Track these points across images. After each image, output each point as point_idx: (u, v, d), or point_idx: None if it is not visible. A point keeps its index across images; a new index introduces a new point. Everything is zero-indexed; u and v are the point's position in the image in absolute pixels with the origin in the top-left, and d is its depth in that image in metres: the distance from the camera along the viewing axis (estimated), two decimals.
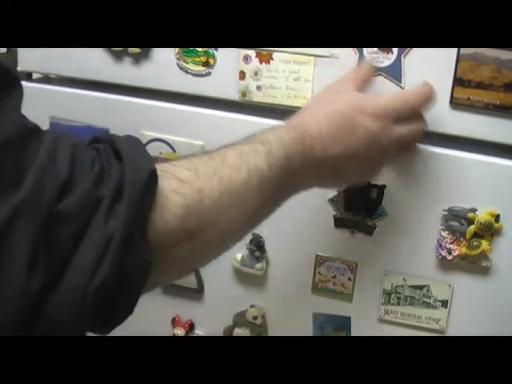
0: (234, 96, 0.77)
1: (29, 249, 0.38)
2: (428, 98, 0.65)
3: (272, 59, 0.74)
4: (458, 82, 0.66)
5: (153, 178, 0.46)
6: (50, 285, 0.40)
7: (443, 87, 0.67)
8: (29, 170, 0.40)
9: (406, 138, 0.65)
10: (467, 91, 0.66)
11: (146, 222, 0.45)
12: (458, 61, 0.66)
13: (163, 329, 0.89)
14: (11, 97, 0.43)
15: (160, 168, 0.48)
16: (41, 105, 0.88)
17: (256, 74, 0.75)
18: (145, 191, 0.44)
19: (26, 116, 0.44)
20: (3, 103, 0.41)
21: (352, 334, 0.80)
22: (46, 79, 0.90)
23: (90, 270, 0.41)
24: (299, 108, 0.74)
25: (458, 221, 0.70)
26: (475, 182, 0.69)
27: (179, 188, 0.48)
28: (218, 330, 0.86)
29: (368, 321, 0.78)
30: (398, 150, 0.65)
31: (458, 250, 0.70)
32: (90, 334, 0.47)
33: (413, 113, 0.65)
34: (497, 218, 0.69)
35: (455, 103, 0.67)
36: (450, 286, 0.73)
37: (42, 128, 0.46)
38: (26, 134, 0.42)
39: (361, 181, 0.70)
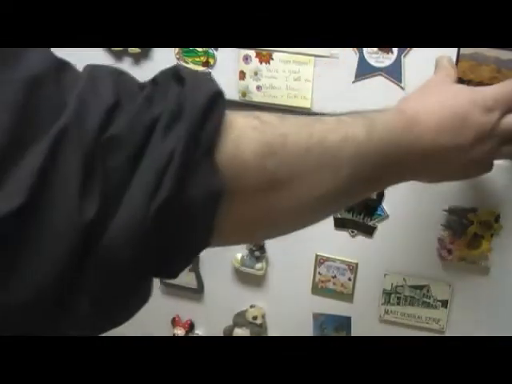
0: (234, 96, 0.77)
1: (80, 173, 0.35)
2: None
3: (272, 59, 0.74)
4: (458, 81, 0.66)
5: (219, 98, 0.41)
6: (106, 210, 0.36)
7: None
8: (69, 98, 0.37)
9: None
10: None
11: (213, 147, 0.40)
12: (457, 61, 0.66)
13: (163, 329, 0.89)
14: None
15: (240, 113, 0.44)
16: None
17: (256, 73, 0.75)
18: (210, 109, 0.40)
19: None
20: None
21: (352, 334, 0.80)
22: None
23: (150, 189, 0.37)
24: (299, 108, 0.74)
25: (458, 221, 0.70)
26: (475, 182, 0.69)
27: (260, 126, 0.43)
28: (218, 330, 0.86)
29: (368, 321, 0.78)
30: (502, 145, 0.59)
31: (458, 249, 0.70)
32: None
33: None
34: (497, 218, 0.69)
35: None
36: (450, 286, 0.73)
37: None
38: (60, 65, 0.40)
39: (462, 178, 0.64)
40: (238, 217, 0.43)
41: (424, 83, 0.62)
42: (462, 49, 0.65)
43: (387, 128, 0.51)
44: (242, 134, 0.42)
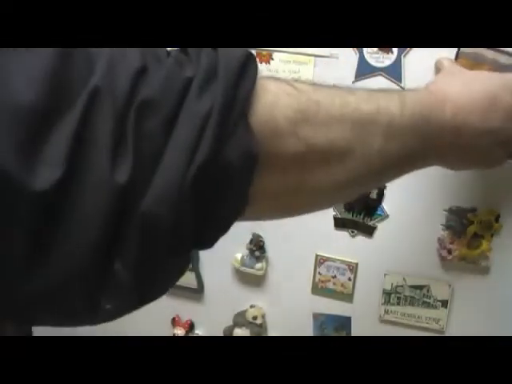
0: None
1: (113, 137, 0.35)
2: None
3: (272, 59, 0.74)
4: None
5: (252, 61, 0.41)
6: (141, 175, 0.36)
7: None
8: (98, 63, 0.38)
9: None
10: None
11: (248, 109, 0.39)
12: (456, 58, 0.66)
13: (163, 329, 0.89)
14: None
15: (273, 78, 0.43)
16: None
17: None
18: (243, 71, 0.40)
19: None
20: None
21: (352, 334, 0.80)
22: None
23: (187, 153, 0.36)
24: None
25: (458, 221, 0.70)
26: (475, 182, 0.69)
27: (293, 92, 0.42)
28: (218, 330, 0.86)
29: (368, 321, 0.78)
30: None
31: (458, 249, 0.70)
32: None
33: None
34: (497, 218, 0.69)
35: None
36: (450, 286, 0.73)
37: None
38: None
39: (487, 165, 0.60)
40: (274, 186, 0.42)
41: (444, 72, 0.61)
42: (461, 48, 0.65)
43: (419, 104, 0.50)
44: (276, 99, 0.41)
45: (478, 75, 0.59)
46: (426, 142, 0.51)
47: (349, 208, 0.75)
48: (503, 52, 0.65)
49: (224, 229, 0.41)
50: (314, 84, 0.46)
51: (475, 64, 0.65)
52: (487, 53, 0.65)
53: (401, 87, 0.69)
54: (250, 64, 0.41)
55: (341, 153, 0.44)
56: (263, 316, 0.84)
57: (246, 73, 0.40)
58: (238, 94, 0.39)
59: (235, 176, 0.38)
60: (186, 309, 0.88)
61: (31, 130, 0.33)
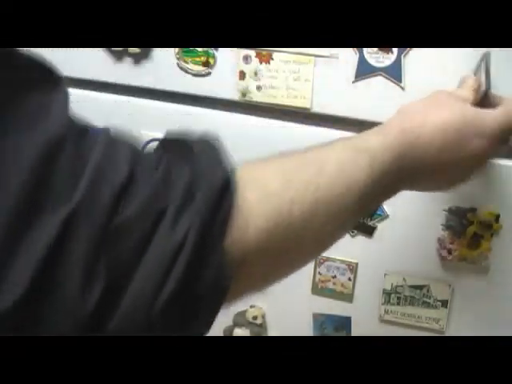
0: (234, 96, 0.77)
1: (84, 262, 0.34)
2: None
3: (272, 59, 0.74)
4: None
5: (231, 185, 0.40)
6: (109, 301, 0.36)
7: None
8: (83, 171, 0.36)
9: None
10: None
11: (222, 235, 0.39)
12: None
13: None
14: (56, 91, 0.40)
15: (246, 173, 0.43)
16: None
17: (256, 74, 0.75)
18: (220, 198, 0.39)
19: (75, 114, 0.40)
20: (47, 99, 0.38)
21: (352, 334, 0.80)
22: None
23: (156, 283, 0.36)
24: (299, 108, 0.74)
25: (458, 221, 0.70)
26: (475, 182, 0.69)
27: (266, 198, 0.43)
28: (218, 330, 0.86)
29: (368, 321, 0.78)
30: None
31: (458, 249, 0.70)
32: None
33: None
34: (497, 218, 0.69)
35: None
36: (450, 286, 0.73)
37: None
38: (77, 132, 0.38)
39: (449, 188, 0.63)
40: (243, 289, 0.45)
41: (429, 96, 0.61)
42: None
43: (389, 159, 0.51)
44: (249, 216, 0.41)
45: (452, 108, 0.58)
46: (400, 185, 0.55)
47: None
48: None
49: (201, 333, 0.43)
50: (285, 177, 0.45)
51: None
52: None
53: (401, 87, 0.69)
54: (228, 189, 0.40)
55: (315, 237, 0.46)
56: (263, 316, 0.84)
57: (224, 201, 0.39)
58: (214, 223, 0.38)
59: (204, 304, 0.40)
60: None
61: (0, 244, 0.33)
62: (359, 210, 0.50)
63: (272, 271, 0.47)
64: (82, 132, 0.39)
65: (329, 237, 0.49)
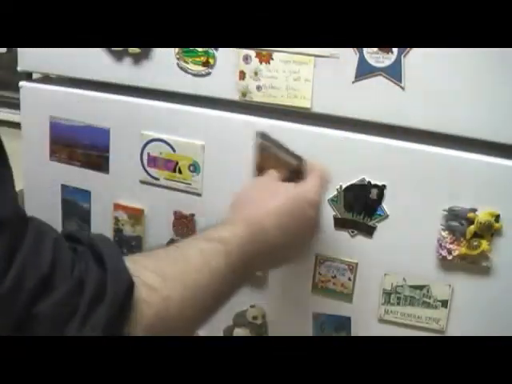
0: (234, 96, 0.77)
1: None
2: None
3: (272, 59, 0.74)
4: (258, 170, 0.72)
5: (131, 290, 0.48)
6: None
7: None
8: (15, 259, 0.41)
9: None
10: None
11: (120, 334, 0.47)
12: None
13: None
14: (4, 175, 0.44)
15: (135, 271, 0.50)
16: (41, 105, 0.88)
17: (256, 74, 0.75)
18: (124, 303, 0.46)
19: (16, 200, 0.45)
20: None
21: (352, 334, 0.80)
22: (46, 79, 0.90)
23: None
24: (299, 108, 0.74)
25: (458, 221, 0.70)
26: (475, 182, 0.69)
27: (148, 297, 0.50)
28: (217, 330, 0.86)
29: (368, 321, 0.78)
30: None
31: (458, 250, 0.70)
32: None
33: None
34: (497, 218, 0.69)
35: None
36: (449, 286, 0.73)
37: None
38: (18, 220, 0.43)
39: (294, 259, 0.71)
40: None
41: (256, 184, 0.71)
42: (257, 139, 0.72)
43: (241, 246, 0.60)
44: (136, 314, 0.49)
45: (280, 193, 0.67)
46: (252, 269, 0.64)
47: (349, 208, 0.75)
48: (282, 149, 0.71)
49: None
50: (161, 271, 0.53)
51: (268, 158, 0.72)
52: (273, 149, 0.72)
53: (401, 87, 0.69)
54: (130, 294, 0.47)
55: (187, 325, 0.56)
56: (263, 316, 0.84)
57: (126, 305, 0.47)
58: (116, 325, 0.46)
59: None
60: None
61: None
62: (223, 295, 0.60)
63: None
64: (21, 219, 0.44)
65: (204, 315, 0.59)
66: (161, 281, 0.52)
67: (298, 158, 0.71)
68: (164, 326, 0.52)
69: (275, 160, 0.72)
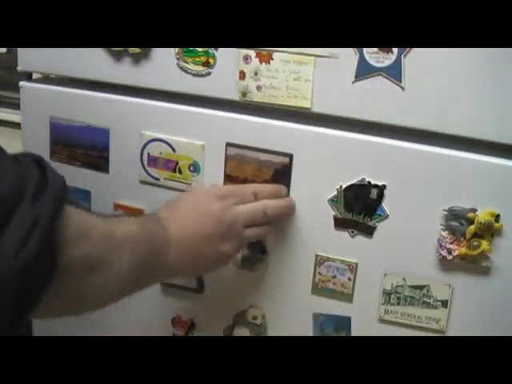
0: (234, 96, 0.77)
1: None
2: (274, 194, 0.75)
3: (272, 59, 0.74)
4: (227, 178, 0.79)
5: (66, 186, 0.53)
6: None
7: None
8: None
9: (250, 217, 0.72)
10: None
11: (57, 227, 0.50)
12: (226, 160, 0.78)
13: (163, 329, 0.89)
14: None
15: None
16: (41, 105, 0.88)
17: (256, 74, 0.75)
18: (62, 191, 0.52)
19: None
20: None
21: (352, 334, 0.80)
22: (46, 79, 0.90)
23: (19, 244, 0.45)
24: (299, 108, 0.74)
25: (457, 221, 0.70)
26: (475, 182, 0.69)
27: (83, 217, 0.57)
28: (218, 330, 0.86)
29: (368, 321, 0.78)
30: (247, 230, 0.72)
31: (458, 249, 0.70)
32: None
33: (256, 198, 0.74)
34: (497, 218, 0.69)
35: None
36: (449, 286, 0.73)
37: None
38: None
39: (220, 264, 0.73)
40: (63, 293, 0.53)
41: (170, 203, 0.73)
42: (228, 150, 0.78)
43: (150, 226, 0.66)
44: (69, 216, 0.53)
45: (193, 195, 0.74)
46: (157, 255, 0.64)
47: (349, 208, 0.75)
48: (262, 150, 0.76)
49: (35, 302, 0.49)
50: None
51: (242, 164, 0.78)
52: (250, 153, 0.77)
53: (401, 87, 0.69)
54: (65, 190, 0.53)
55: (106, 263, 0.57)
56: (263, 316, 0.84)
57: (63, 198, 0.52)
58: (59, 206, 0.51)
59: (38, 279, 0.48)
60: (186, 309, 0.88)
61: None
62: (133, 262, 0.61)
63: (83, 289, 0.56)
64: None
65: (119, 273, 0.59)
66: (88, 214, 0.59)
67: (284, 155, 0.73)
68: (90, 246, 0.55)
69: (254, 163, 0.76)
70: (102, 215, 0.61)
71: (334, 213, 0.76)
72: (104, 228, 0.58)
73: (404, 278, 0.75)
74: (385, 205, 0.73)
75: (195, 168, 0.81)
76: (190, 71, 0.78)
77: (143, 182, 0.85)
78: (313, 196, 0.76)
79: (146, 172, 0.84)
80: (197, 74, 0.78)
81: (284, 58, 0.73)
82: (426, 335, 0.75)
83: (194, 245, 0.68)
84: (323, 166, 0.75)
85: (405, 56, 0.68)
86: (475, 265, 0.71)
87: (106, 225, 0.59)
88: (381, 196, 0.73)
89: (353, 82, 0.71)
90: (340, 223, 0.76)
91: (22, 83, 0.89)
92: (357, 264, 0.77)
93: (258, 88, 0.75)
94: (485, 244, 0.69)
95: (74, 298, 0.56)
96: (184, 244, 0.67)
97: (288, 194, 0.77)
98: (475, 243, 0.70)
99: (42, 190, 0.50)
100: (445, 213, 0.71)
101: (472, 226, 0.69)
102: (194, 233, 0.68)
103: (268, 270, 0.81)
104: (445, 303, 0.74)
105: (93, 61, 0.83)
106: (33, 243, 0.46)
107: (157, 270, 0.65)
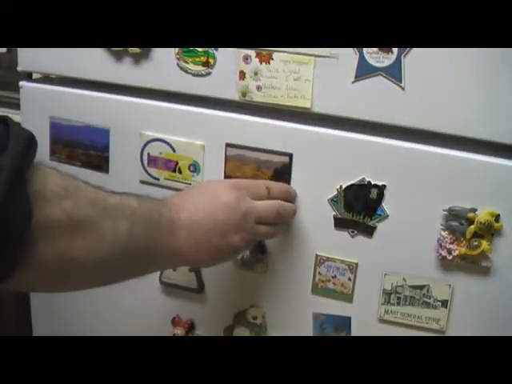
0: (234, 96, 0.77)
1: None
2: (284, 192, 0.75)
3: (272, 59, 0.74)
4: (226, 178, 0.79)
5: (34, 141, 0.51)
6: None
7: None
8: None
9: (264, 212, 0.71)
10: None
11: (28, 179, 0.48)
12: (226, 161, 0.79)
13: (163, 329, 0.89)
14: None
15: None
16: (41, 105, 0.88)
17: (256, 74, 0.75)
18: (29, 145, 0.49)
19: None
20: None
21: (352, 334, 0.80)
22: (46, 79, 0.90)
23: None
24: (299, 108, 0.74)
25: (457, 221, 0.70)
26: (475, 182, 0.69)
27: (60, 175, 0.53)
28: (218, 330, 0.86)
29: (368, 321, 0.78)
30: (259, 226, 0.71)
31: (457, 250, 0.70)
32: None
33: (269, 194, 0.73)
34: (497, 218, 0.69)
35: None
36: (450, 286, 0.73)
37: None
38: None
39: (227, 257, 0.72)
40: (44, 253, 0.50)
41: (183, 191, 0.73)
42: (228, 150, 0.78)
43: (155, 203, 0.63)
44: (47, 177, 0.51)
45: (211, 184, 0.72)
46: (160, 233, 0.61)
47: (349, 208, 0.75)
48: (262, 150, 0.77)
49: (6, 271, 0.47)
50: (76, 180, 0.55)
51: (242, 164, 0.78)
52: (249, 153, 0.77)
53: (401, 87, 0.69)
54: (33, 143, 0.51)
55: (94, 227, 0.54)
56: (263, 316, 0.84)
57: (30, 151, 0.50)
58: (24, 161, 0.48)
59: (13, 231, 0.46)
60: (186, 309, 0.88)
61: None
62: (130, 232, 0.57)
63: (64, 256, 0.52)
64: None
65: (104, 238, 0.55)
66: (73, 179, 0.54)
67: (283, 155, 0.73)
68: (72, 207, 0.52)
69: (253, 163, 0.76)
70: (98, 186, 0.57)
71: (334, 213, 0.76)
72: (93, 193, 0.55)
73: (404, 278, 0.75)
74: (385, 205, 0.73)
75: (195, 168, 0.81)
76: (190, 71, 0.78)
77: (143, 182, 0.85)
78: (313, 196, 0.76)
79: (146, 172, 0.84)
80: (197, 74, 0.78)
81: (284, 58, 0.73)
82: (426, 335, 0.75)
83: (205, 232, 0.65)
84: (323, 166, 0.75)
85: (405, 56, 0.68)
86: (475, 265, 0.71)
87: (97, 191, 0.56)
88: (381, 196, 0.73)
89: (353, 82, 0.71)
90: (340, 223, 0.76)
91: (21, 83, 0.89)
92: (357, 264, 0.77)
93: (258, 88, 0.75)
94: (485, 244, 0.69)
95: (59, 263, 0.52)
96: (194, 230, 0.64)
97: (297, 194, 0.76)
98: (475, 243, 0.70)
99: (2, 144, 0.48)
100: (445, 213, 0.71)
101: (472, 226, 0.69)
102: (205, 219, 0.65)
103: (268, 270, 0.81)
104: (445, 303, 0.74)
105: (93, 61, 0.83)
106: None
107: (160, 251, 0.62)
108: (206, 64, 0.77)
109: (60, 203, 0.51)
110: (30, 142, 0.50)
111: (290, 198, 0.75)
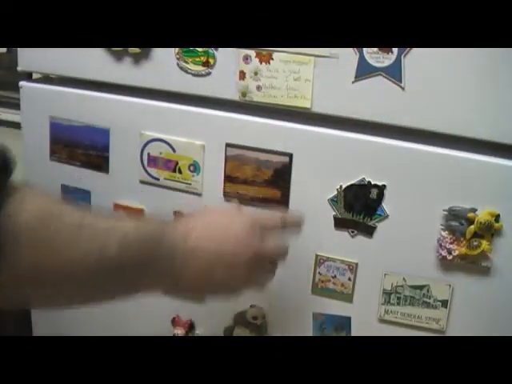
0: (234, 96, 0.77)
1: None
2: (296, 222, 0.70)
3: (272, 59, 0.74)
4: (227, 179, 0.79)
5: (9, 161, 0.49)
6: None
7: None
8: None
9: (275, 251, 0.67)
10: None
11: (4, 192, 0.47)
12: (226, 161, 0.78)
13: (163, 329, 0.89)
14: None
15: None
16: (41, 105, 0.88)
17: (256, 73, 0.75)
18: (4, 164, 0.48)
19: None
20: None
21: (352, 334, 0.80)
22: (46, 79, 0.90)
23: None
24: (299, 108, 0.74)
25: (457, 221, 0.70)
26: (475, 182, 0.69)
27: (44, 195, 0.51)
28: (218, 330, 0.86)
29: (368, 321, 0.78)
30: (268, 266, 0.67)
31: (458, 250, 0.70)
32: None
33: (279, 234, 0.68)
34: (497, 218, 0.69)
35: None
36: (450, 286, 0.73)
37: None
38: None
39: (225, 292, 0.66)
40: (25, 266, 0.48)
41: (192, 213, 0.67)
42: (228, 150, 0.78)
43: (154, 228, 0.58)
44: (27, 197, 0.49)
45: (224, 215, 0.66)
46: (156, 258, 0.57)
47: (349, 208, 0.75)
48: (262, 150, 0.77)
49: None
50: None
51: (242, 164, 0.78)
52: (249, 153, 0.77)
53: (401, 87, 0.69)
54: (9, 162, 0.49)
55: (73, 250, 0.51)
56: (263, 316, 0.84)
57: (7, 168, 0.48)
58: None
59: None
60: (185, 309, 0.88)
61: None
62: (119, 258, 0.54)
63: (38, 269, 0.50)
64: None
65: (88, 262, 0.52)
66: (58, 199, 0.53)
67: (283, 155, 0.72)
68: (53, 230, 0.50)
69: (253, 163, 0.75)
70: (90, 210, 0.55)
71: (334, 213, 0.76)
72: (79, 218, 0.52)
73: (404, 278, 0.75)
74: (385, 205, 0.73)
75: (195, 168, 0.81)
76: (190, 71, 0.78)
77: (143, 182, 0.85)
78: (313, 196, 0.76)
79: (146, 172, 0.84)
80: (197, 74, 0.78)
81: (284, 58, 0.73)
82: (426, 335, 0.75)
83: (208, 260, 0.61)
84: (323, 166, 0.75)
85: (405, 56, 0.68)
86: (475, 265, 0.71)
87: (83, 216, 0.53)
88: (381, 196, 0.73)
89: (353, 82, 0.71)
90: (340, 223, 0.76)
91: (21, 83, 0.89)
92: (357, 264, 0.77)
93: (258, 88, 0.75)
94: (485, 244, 0.69)
95: (31, 278, 0.49)
96: (198, 256, 0.60)
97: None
98: (475, 243, 0.70)
99: None
100: (445, 213, 0.71)
101: (472, 226, 0.69)
102: (212, 248, 0.61)
103: None
104: (445, 303, 0.74)
105: (93, 61, 0.83)
106: None
107: (152, 276, 0.58)
108: (206, 64, 0.77)
109: (41, 229, 0.49)
110: (3, 160, 0.48)
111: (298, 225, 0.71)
